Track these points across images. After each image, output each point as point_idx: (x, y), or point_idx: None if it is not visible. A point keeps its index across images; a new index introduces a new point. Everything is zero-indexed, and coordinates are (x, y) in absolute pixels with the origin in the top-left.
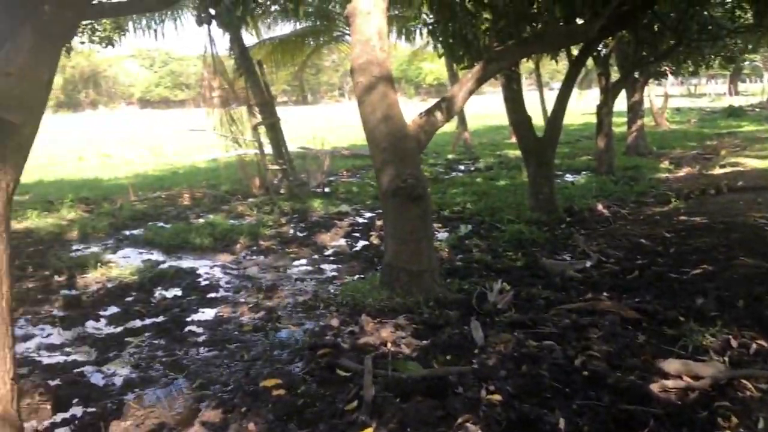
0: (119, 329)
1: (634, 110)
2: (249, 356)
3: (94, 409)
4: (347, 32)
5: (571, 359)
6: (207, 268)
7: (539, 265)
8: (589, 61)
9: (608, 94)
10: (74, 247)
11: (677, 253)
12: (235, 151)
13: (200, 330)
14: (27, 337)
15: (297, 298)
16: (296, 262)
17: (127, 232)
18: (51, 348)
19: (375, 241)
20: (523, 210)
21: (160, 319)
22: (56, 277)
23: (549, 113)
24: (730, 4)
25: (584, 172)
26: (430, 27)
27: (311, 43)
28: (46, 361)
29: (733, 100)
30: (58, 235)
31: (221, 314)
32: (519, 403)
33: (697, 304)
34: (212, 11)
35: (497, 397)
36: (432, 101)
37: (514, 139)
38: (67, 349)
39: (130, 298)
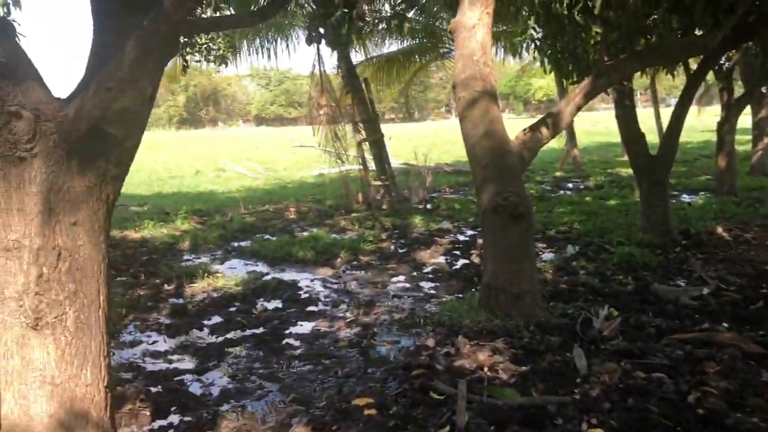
0: (220, 339)
1: (760, 127)
2: (343, 372)
3: (190, 419)
4: (454, 49)
5: (684, 395)
6: (308, 281)
7: (650, 291)
8: (710, 75)
9: (731, 111)
10: (185, 257)
11: None
12: (340, 166)
13: (297, 343)
14: (134, 344)
15: (393, 315)
16: (395, 279)
17: (236, 244)
18: (155, 355)
19: (475, 259)
20: (635, 231)
21: (260, 330)
22: (166, 286)
23: (664, 130)
24: None
25: (703, 193)
26: (538, 41)
27: (418, 60)
28: (149, 367)
29: None
30: (171, 244)
31: (318, 328)
32: None
33: None
34: (321, 30)
35: None
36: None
37: (626, 157)
38: (170, 357)
39: (233, 309)
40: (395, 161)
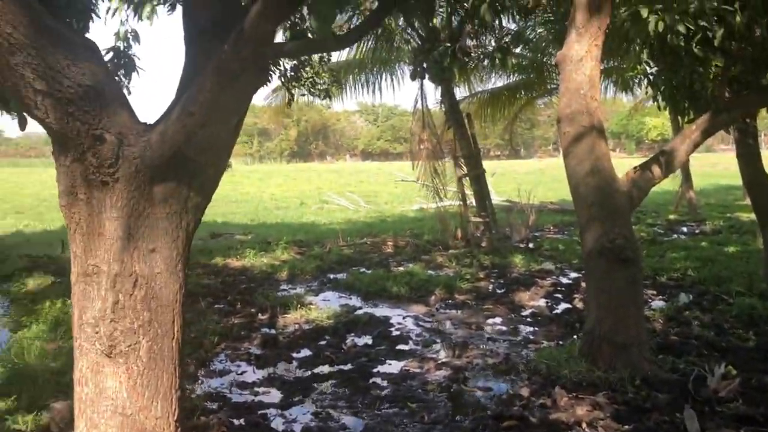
0: (308, 373)
1: None
2: (429, 418)
3: None
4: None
5: None
6: (400, 318)
7: None
8: None
9: None
10: (281, 287)
11: None
12: (440, 201)
13: (384, 383)
14: (223, 373)
15: (487, 359)
16: (490, 320)
17: (331, 276)
18: (242, 386)
19: (578, 304)
20: (756, 281)
21: (348, 366)
22: (260, 315)
23: None
24: None
25: None
26: (651, 76)
27: (524, 95)
28: (235, 399)
29: None
30: (269, 274)
31: (407, 368)
32: None
33: None
34: (424, 64)
35: None
36: None
37: (747, 201)
38: (257, 389)
39: (323, 342)
40: (497, 198)
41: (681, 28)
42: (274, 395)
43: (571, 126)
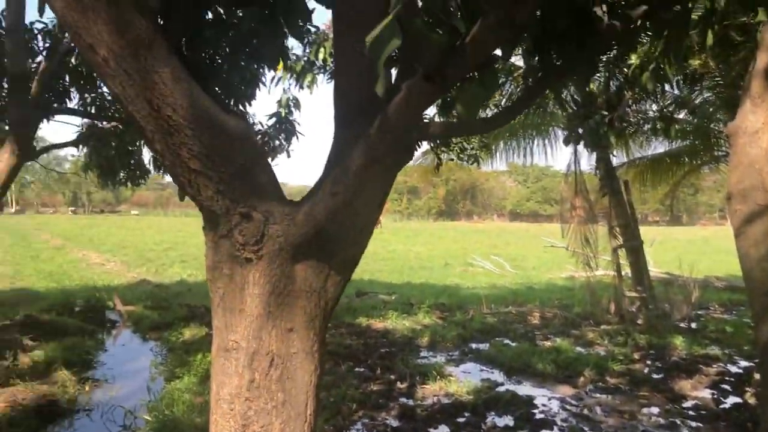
0: None
1: None
2: None
3: None
4: (730, 152)
5: None
6: (545, 399)
7: None
8: None
9: None
10: (422, 353)
11: None
12: (591, 272)
13: None
14: None
15: None
16: (646, 410)
17: (473, 345)
18: None
19: (750, 399)
20: None
21: None
22: (399, 383)
23: None
24: None
25: None
26: None
27: (687, 161)
28: None
29: None
30: (410, 338)
31: None
32: None
33: None
34: (579, 130)
35: None
36: None
37: None
38: None
39: (461, 419)
40: (655, 270)
41: None
42: None
43: (744, 204)
